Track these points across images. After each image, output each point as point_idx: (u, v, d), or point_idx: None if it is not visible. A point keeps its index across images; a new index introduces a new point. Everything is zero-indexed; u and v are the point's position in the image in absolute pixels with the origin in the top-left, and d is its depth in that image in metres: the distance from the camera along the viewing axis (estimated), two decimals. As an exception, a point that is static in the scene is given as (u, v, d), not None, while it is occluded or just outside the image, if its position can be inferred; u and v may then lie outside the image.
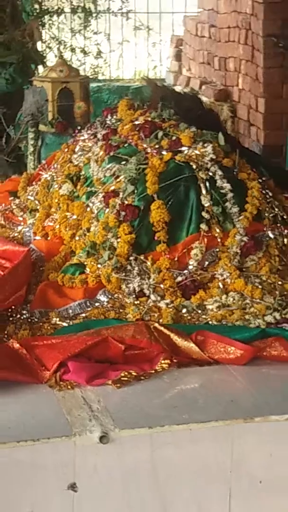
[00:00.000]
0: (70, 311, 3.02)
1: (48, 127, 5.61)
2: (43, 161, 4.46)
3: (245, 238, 3.19)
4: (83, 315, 2.99)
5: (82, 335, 2.77)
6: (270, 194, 3.44)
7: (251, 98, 7.36)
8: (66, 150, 3.95)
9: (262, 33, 7.03)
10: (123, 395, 2.54)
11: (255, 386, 2.64)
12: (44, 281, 3.21)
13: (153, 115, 3.70)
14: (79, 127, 4.48)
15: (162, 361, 2.69)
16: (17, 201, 4.00)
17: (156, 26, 10.05)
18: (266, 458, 2.44)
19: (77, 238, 3.37)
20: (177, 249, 3.19)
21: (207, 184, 3.28)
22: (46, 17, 7.93)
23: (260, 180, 3.42)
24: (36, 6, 7.78)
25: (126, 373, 2.62)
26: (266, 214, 3.32)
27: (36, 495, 2.31)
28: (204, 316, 2.97)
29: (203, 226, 3.21)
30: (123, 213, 3.24)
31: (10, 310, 3.01)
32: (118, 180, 3.39)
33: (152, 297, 3.04)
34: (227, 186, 3.29)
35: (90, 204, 3.45)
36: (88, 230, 3.34)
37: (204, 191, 3.26)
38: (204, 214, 3.23)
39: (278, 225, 3.35)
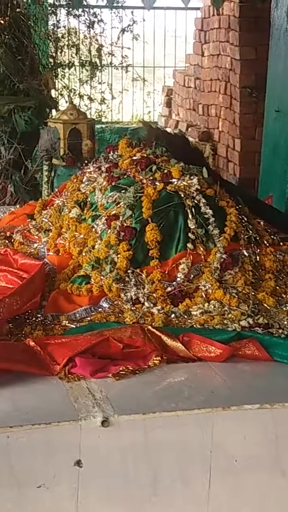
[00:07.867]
0: (77, 315, 3.00)
1: (60, 161, 5.59)
2: (56, 189, 4.43)
3: (224, 256, 3.17)
4: (88, 318, 2.97)
5: (87, 335, 2.75)
6: (246, 219, 3.43)
7: (229, 139, 7.37)
8: (75, 180, 3.93)
9: (239, 85, 7.06)
10: (121, 386, 2.53)
11: (232, 380, 2.62)
12: (56, 289, 3.18)
13: (148, 151, 3.68)
14: (86, 161, 4.49)
15: (154, 358, 2.67)
16: (33, 222, 3.96)
17: (150, 78, 10.08)
18: (241, 440, 2.43)
19: (83, 254, 3.34)
20: (168, 264, 3.17)
21: (193, 210, 3.27)
22: (59, 69, 7.90)
23: (237, 207, 3.42)
24: (51, 60, 7.78)
25: (124, 368, 2.61)
26: (242, 236, 3.31)
27: (48, 470, 2.29)
28: (189, 321, 2.95)
29: (189, 245, 3.20)
30: (122, 233, 3.23)
31: (27, 313, 2.99)
32: (118, 205, 3.37)
33: (146, 304, 3.02)
34: (209, 212, 3.28)
35: (95, 226, 3.43)
36: (93, 247, 3.32)
37: (190, 216, 3.25)
38: (190, 235, 3.22)
39: (252, 245, 3.34)
